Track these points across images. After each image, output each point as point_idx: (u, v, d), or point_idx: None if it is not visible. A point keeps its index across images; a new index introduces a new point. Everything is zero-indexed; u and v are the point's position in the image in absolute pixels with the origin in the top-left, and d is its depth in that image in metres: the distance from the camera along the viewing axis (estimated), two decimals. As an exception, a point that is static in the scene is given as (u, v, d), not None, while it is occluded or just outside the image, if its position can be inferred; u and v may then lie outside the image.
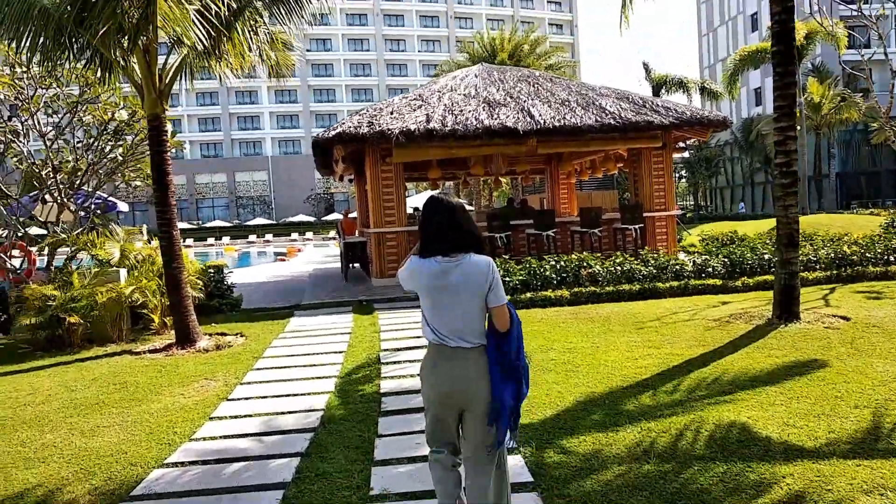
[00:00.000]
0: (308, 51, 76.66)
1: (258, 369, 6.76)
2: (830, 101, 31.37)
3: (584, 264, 10.32)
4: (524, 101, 12.81)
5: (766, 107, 58.16)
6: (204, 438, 4.78)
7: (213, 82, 74.67)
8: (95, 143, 10.39)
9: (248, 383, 6.24)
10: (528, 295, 9.72)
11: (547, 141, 12.52)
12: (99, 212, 11.26)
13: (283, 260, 26.31)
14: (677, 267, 10.52)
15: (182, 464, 4.31)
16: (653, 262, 10.62)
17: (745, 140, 51.26)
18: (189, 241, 58.74)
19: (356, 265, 15.57)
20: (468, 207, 32.83)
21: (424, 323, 2.87)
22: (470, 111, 12.28)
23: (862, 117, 28.81)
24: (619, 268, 10.35)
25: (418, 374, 3.06)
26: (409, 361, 6.65)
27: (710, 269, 10.61)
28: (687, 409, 4.85)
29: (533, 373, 6.06)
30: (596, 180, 33.43)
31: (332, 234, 52.80)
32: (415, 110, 12.28)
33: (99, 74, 8.43)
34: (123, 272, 9.33)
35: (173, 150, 10.86)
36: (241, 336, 8.72)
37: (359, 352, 7.30)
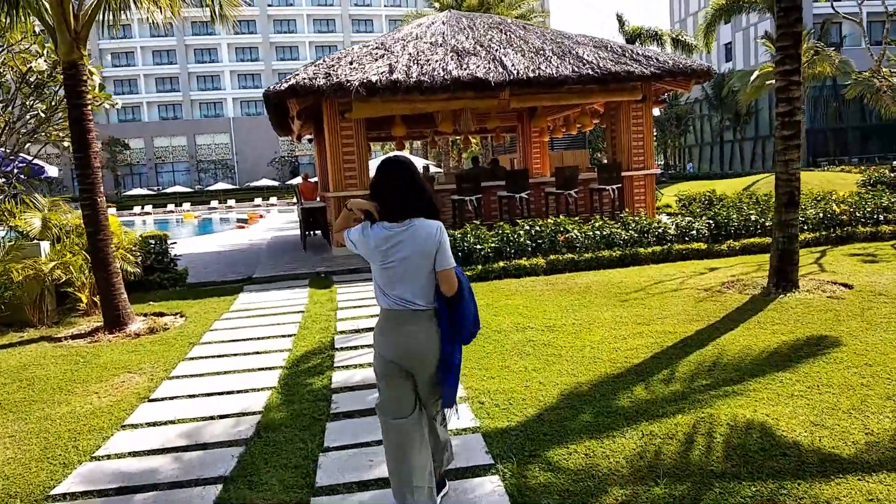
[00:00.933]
0: (269, 5, 73.55)
1: (192, 358, 5.84)
2: (803, 55, 30.73)
3: (561, 229, 9.52)
4: (496, 51, 11.78)
5: (736, 62, 57.58)
6: (108, 456, 3.88)
7: (171, 39, 71.50)
8: (13, 97, 9.13)
9: (178, 377, 5.32)
10: (501, 264, 8.90)
11: (521, 94, 11.55)
12: (23, 177, 10.03)
13: (243, 227, 25.09)
14: (659, 230, 9.78)
15: (72, 496, 3.42)
16: (633, 225, 9.86)
17: (717, 97, 50.75)
18: (148, 208, 56.72)
19: (317, 232, 14.58)
20: (436, 169, 31.78)
21: (376, 288, 2.84)
22: (437, 61, 11.23)
23: (835, 72, 28.19)
24: (597, 232, 9.57)
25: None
26: (367, 347, 5.79)
27: (694, 233, 9.90)
28: (692, 403, 4.09)
29: (509, 357, 5.27)
30: (567, 138, 32.55)
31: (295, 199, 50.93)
32: (376, 60, 11.18)
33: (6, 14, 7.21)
34: (45, 245, 8.23)
35: (105, 106, 9.68)
36: (181, 316, 7.76)
37: (311, 334, 6.42)
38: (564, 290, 7.90)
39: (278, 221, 26.36)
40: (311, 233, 14.76)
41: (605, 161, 12.66)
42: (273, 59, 74.09)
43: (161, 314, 7.94)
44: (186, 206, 57.55)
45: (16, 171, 9.80)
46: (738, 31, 57.46)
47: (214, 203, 59.00)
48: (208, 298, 8.70)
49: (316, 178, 17.74)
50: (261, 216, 33.41)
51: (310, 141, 18.35)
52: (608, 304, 6.97)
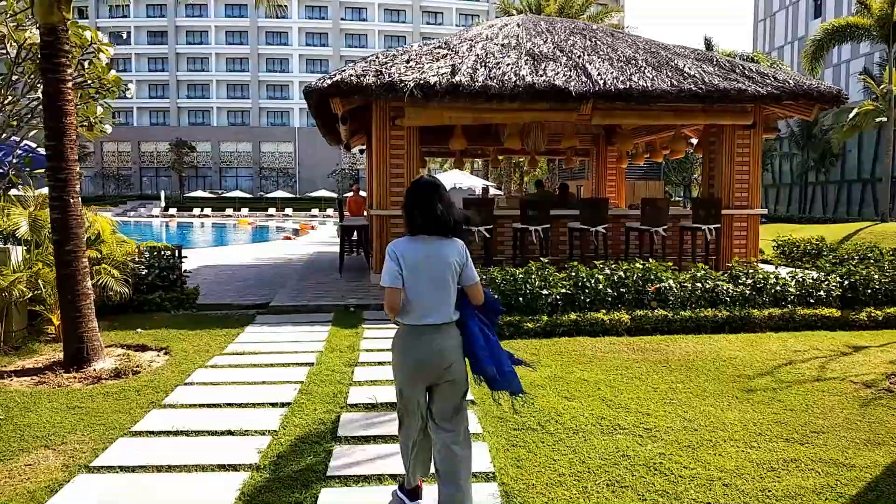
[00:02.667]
0: (342, 19, 73.93)
1: (138, 433, 4.16)
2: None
3: (652, 277, 7.53)
4: (578, 57, 9.95)
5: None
6: None
7: (244, 47, 72.60)
8: (9, 75, 7.85)
9: (101, 470, 3.64)
10: (573, 316, 6.98)
11: (606, 109, 9.66)
12: (26, 168, 8.75)
13: (290, 238, 23.87)
14: (777, 288, 7.66)
15: None
16: (744, 279, 7.78)
17: (804, 134, 47.27)
18: (207, 211, 56.98)
19: (359, 252, 12.97)
20: (495, 191, 30.03)
21: (402, 307, 2.89)
22: (508, 64, 9.48)
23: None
24: (698, 284, 7.53)
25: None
26: (379, 441, 3.99)
27: (822, 294, 7.74)
28: None
29: (595, 491, 3.37)
30: (640, 168, 30.17)
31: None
32: (437, 60, 9.51)
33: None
34: (17, 252, 6.81)
35: (120, 90, 8.28)
36: (164, 354, 6.16)
37: (312, 405, 4.66)
38: (659, 362, 5.92)
39: (327, 235, 25.04)
40: (357, 251, 13.17)
41: (700, 196, 10.63)
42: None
43: (143, 348, 6.36)
44: (245, 211, 57.66)
45: (15, 160, 8.52)
46: (829, 67, 53.84)
47: (272, 210, 58.92)
48: (209, 330, 7.09)
49: (365, 194, 16.22)
50: (312, 227, 32.37)
51: (361, 152, 16.88)
52: (727, 395, 4.97)
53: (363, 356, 5.96)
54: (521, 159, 32.24)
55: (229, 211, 57.78)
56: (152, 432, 4.15)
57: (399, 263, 2.85)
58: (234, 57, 74.21)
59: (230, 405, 4.65)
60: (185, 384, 5.15)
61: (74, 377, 5.40)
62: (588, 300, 7.26)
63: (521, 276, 7.21)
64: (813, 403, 4.80)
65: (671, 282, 7.47)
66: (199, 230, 41.02)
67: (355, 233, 11.94)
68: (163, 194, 59.71)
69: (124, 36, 70.82)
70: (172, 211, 56.37)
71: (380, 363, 5.68)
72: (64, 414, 4.51)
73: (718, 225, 10.13)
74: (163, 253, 8.33)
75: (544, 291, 7.10)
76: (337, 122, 10.67)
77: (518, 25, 11.22)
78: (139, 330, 7.01)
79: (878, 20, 19.68)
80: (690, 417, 4.48)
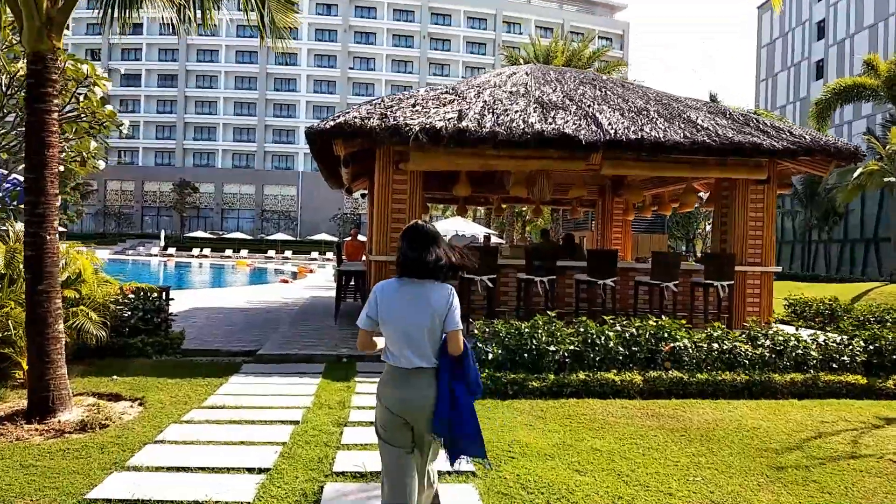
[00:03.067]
0: (351, 69, 75.21)
1: (91, 502, 3.67)
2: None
3: (665, 335, 7.08)
4: (588, 106, 9.74)
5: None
6: None
7: (253, 92, 73.68)
8: (3, 108, 7.59)
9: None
10: (582, 376, 6.50)
11: (616, 159, 9.39)
12: (13, 203, 8.42)
13: (287, 282, 23.42)
14: (799, 351, 7.20)
15: None
16: (763, 339, 7.33)
17: (807, 193, 47.28)
18: (206, 251, 56.69)
19: (356, 297, 12.52)
20: (497, 240, 29.73)
21: (386, 348, 2.98)
22: (516, 111, 9.25)
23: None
24: (715, 345, 7.08)
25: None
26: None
27: (846, 359, 7.27)
28: None
29: None
30: (642, 221, 29.93)
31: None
32: (444, 105, 9.29)
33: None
34: (-11, 289, 6.39)
35: (114, 126, 8.01)
36: (139, 405, 5.67)
37: (294, 472, 4.16)
38: (676, 430, 5.42)
39: (324, 279, 24.61)
40: (355, 297, 12.70)
41: (710, 251, 10.27)
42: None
43: (116, 397, 5.88)
44: (244, 252, 57.35)
45: (2, 194, 8.19)
46: (832, 127, 54.35)
47: (272, 252, 58.64)
48: (191, 379, 6.60)
49: (365, 238, 15.88)
50: (310, 271, 31.97)
51: (363, 196, 16.62)
52: (756, 473, 4.47)
53: (354, 414, 5.47)
54: (525, 208, 32.09)
55: (229, 252, 57.50)
56: (109, 501, 3.65)
57: (376, 305, 2.93)
58: (242, 101, 75.22)
59: (202, 469, 4.15)
60: (156, 442, 4.65)
61: (36, 429, 4.91)
62: (598, 358, 6.79)
63: (526, 330, 6.76)
64: (852, 486, 4.30)
65: (686, 341, 7.01)
66: (196, 270, 40.62)
67: (353, 278, 11.52)
68: (162, 234, 59.57)
69: (122, 71, 71.72)
70: (171, 250, 56.09)
71: (371, 423, 5.19)
72: (15, 474, 4.02)
73: (732, 282, 9.72)
74: (148, 295, 7.90)
75: (551, 348, 6.64)
76: (339, 166, 10.39)
77: (527, 74, 11.07)
78: (115, 377, 6.52)
79: (886, 80, 19.72)
80: (718, 500, 3.98)
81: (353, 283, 12.19)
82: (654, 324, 7.20)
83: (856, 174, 30.48)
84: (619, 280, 9.71)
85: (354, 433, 4.96)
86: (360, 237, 16.39)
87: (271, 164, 76.27)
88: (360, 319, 2.96)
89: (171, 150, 75.07)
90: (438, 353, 2.92)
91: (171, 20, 6.23)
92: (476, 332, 7.17)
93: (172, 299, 8.30)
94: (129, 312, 7.72)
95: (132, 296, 7.83)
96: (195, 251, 56.63)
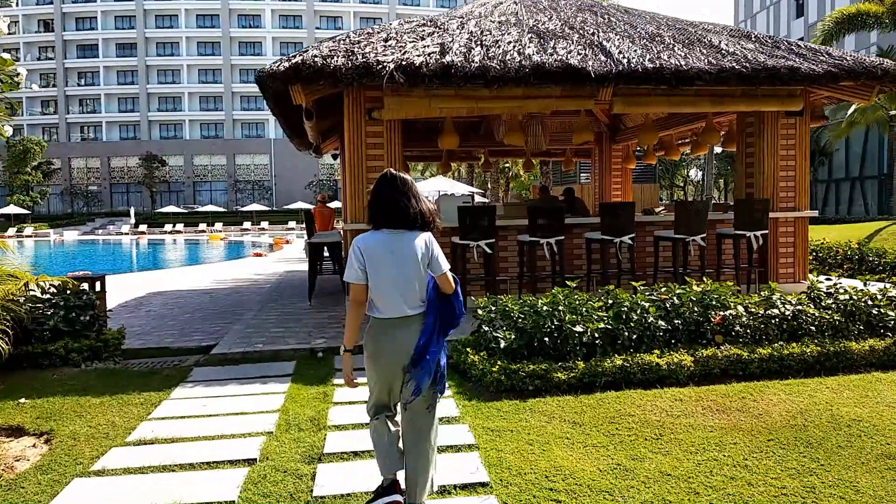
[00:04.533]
0: (317, 28, 72.02)
1: None
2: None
3: (713, 302, 5.75)
4: (592, 34, 8.22)
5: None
6: None
7: (217, 58, 70.31)
8: None
9: None
10: (618, 361, 5.17)
11: (630, 94, 7.95)
12: None
13: (260, 255, 21.84)
14: (874, 311, 5.92)
15: None
16: (826, 299, 6.03)
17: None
18: (179, 227, 54.59)
19: (335, 270, 11.05)
20: (481, 200, 28.25)
21: (369, 302, 2.96)
22: (510, 42, 7.71)
23: None
24: (774, 310, 5.77)
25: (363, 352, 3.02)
26: None
27: (925, 317, 6.01)
28: None
29: None
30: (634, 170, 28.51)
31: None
32: (422, 38, 7.71)
33: None
34: None
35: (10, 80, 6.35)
36: (44, 443, 4.25)
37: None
38: (759, 432, 4.12)
39: (300, 250, 23.08)
40: (334, 268, 11.22)
41: (742, 198, 8.91)
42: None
43: (18, 431, 4.44)
44: (218, 226, 55.35)
45: None
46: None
47: (247, 224, 56.70)
48: (123, 395, 5.16)
49: (338, 204, 14.34)
50: (287, 241, 30.33)
51: (334, 157, 15.03)
52: (897, 501, 3.19)
53: (332, 439, 4.09)
54: (510, 163, 30.52)
55: (202, 226, 55.41)
56: None
57: (362, 259, 2.90)
58: (207, 68, 71.98)
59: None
60: (46, 510, 3.25)
61: None
62: (634, 336, 5.46)
63: (545, 307, 5.39)
64: None
65: (740, 307, 5.70)
66: (170, 247, 38.76)
67: (326, 250, 10.04)
68: (132, 211, 57.27)
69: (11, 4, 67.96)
70: (143, 228, 53.93)
71: (356, 454, 3.82)
72: None
73: (766, 231, 8.41)
74: (73, 289, 6.39)
75: (578, 328, 5.29)
76: (302, 117, 8.78)
77: (516, 3, 9.46)
78: (22, 400, 5.07)
79: (891, 7, 18.33)
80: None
81: (326, 254, 10.74)
82: (699, 290, 5.86)
83: (850, 111, 29.35)
84: (636, 237, 8.34)
85: (332, 473, 3.59)
86: (331, 204, 14.88)
87: (241, 132, 73.53)
88: (348, 275, 2.93)
89: (135, 123, 71.92)
90: (425, 297, 2.97)
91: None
92: (480, 312, 5.78)
93: (96, 297, 6.74)
94: (52, 311, 6.22)
95: (53, 290, 6.32)
96: (167, 227, 54.50)
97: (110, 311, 7.33)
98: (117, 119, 71.57)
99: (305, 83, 7.19)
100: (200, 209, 62.73)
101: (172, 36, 71.34)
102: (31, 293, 6.20)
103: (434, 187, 22.01)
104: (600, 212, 8.24)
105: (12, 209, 53.40)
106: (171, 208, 60.86)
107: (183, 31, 70.93)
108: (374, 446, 3.08)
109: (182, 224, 55.78)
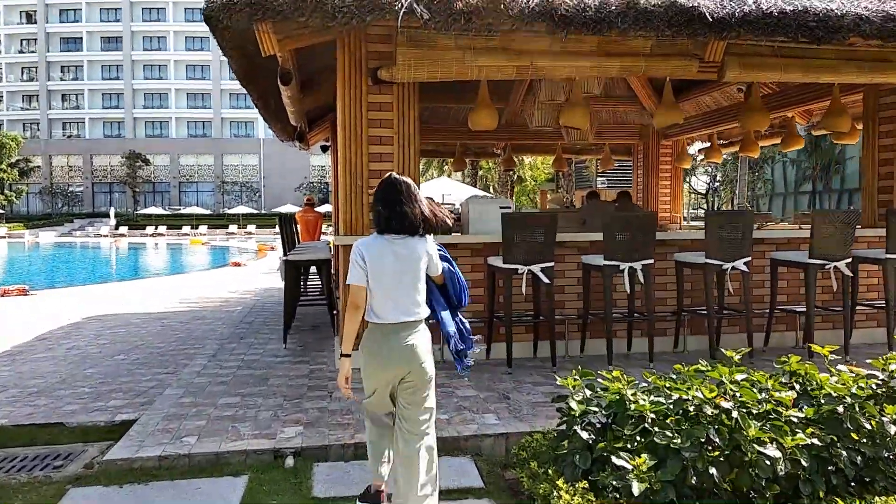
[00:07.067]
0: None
1: None
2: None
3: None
4: (693, -31, 5.76)
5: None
6: None
7: (206, 54, 67.51)
8: None
9: None
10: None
11: (749, 53, 5.49)
12: None
13: (238, 265, 19.22)
14: None
15: None
16: None
17: (812, 142, 43.95)
18: (162, 229, 51.87)
19: (322, 295, 8.48)
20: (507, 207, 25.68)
21: (369, 308, 2.88)
22: (581, -29, 5.23)
23: None
24: None
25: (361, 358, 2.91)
26: None
27: None
28: None
29: None
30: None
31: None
32: (451, -35, 5.22)
33: None
34: None
35: None
36: None
37: None
38: None
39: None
40: (320, 294, 8.64)
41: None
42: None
43: None
44: (203, 229, 52.56)
45: None
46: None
47: (233, 228, 53.98)
48: None
49: (328, 208, 11.81)
50: (272, 248, 27.73)
51: (324, 150, 12.52)
52: None
53: None
54: (532, 159, 27.82)
55: (186, 229, 52.62)
56: None
57: (364, 262, 2.82)
58: (195, 63, 69.23)
59: None
60: None
61: None
62: (858, 461, 2.96)
63: (713, 411, 2.88)
64: None
65: None
66: (151, 252, 36.02)
67: (311, 271, 7.50)
68: (112, 211, 54.40)
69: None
70: (123, 230, 51.09)
71: None
72: None
73: (932, 253, 5.95)
74: None
75: (768, 450, 2.79)
76: (278, 78, 6.17)
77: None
78: None
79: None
80: None
81: (298, 282, 8.20)
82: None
83: None
84: (751, 261, 5.84)
85: None
86: (324, 208, 12.33)
87: (230, 131, 70.76)
88: (351, 276, 2.82)
89: (120, 120, 68.99)
90: (424, 303, 2.93)
91: None
92: (572, 403, 3.26)
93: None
94: None
95: None
96: (149, 229, 51.68)
97: (23, 344, 4.81)
98: (101, 115, 68.66)
99: (278, 21, 4.67)
100: (185, 211, 59.90)
101: (159, 30, 68.60)
102: None
103: (438, 190, 19.17)
104: (707, 223, 5.72)
105: None
106: (155, 209, 58.05)
107: (170, 25, 68.21)
108: (368, 445, 3.06)
109: (165, 226, 52.99)
